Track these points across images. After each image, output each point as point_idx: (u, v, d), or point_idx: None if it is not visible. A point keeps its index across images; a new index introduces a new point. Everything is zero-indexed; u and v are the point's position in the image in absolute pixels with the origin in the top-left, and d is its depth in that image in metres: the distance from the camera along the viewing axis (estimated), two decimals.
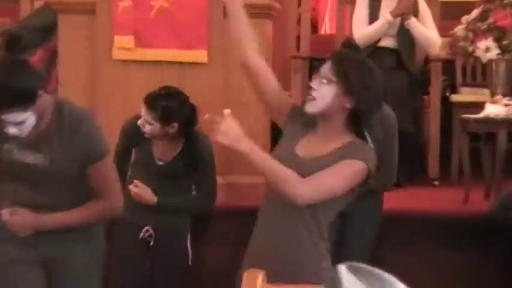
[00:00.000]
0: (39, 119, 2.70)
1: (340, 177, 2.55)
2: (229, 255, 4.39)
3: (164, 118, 3.62)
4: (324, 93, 2.62)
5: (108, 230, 3.26)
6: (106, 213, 2.88)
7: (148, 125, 3.65)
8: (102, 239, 2.99)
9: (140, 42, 4.37)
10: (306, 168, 2.57)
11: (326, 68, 2.65)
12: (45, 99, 2.72)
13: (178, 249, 3.81)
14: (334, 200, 2.59)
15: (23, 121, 2.65)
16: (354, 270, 1.32)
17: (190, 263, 3.86)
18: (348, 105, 2.62)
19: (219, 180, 4.23)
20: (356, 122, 2.66)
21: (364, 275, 1.31)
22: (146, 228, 3.75)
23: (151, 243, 3.76)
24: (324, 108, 2.63)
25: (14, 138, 2.72)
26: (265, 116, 4.65)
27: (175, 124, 3.66)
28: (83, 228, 2.86)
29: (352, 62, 2.64)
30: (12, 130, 2.67)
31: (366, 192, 3.29)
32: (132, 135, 3.75)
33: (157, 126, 3.64)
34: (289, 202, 2.53)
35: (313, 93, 2.64)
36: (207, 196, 3.85)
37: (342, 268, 1.32)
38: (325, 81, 2.63)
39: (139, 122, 3.67)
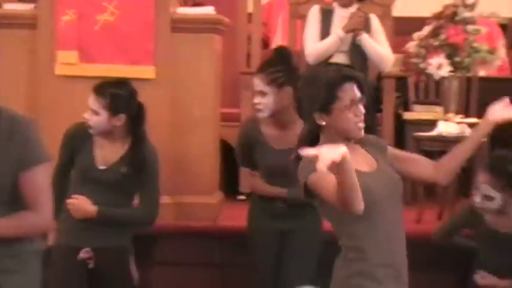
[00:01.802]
0: None
1: None
2: (177, 278, 4.26)
3: (112, 106, 3.49)
4: None
5: (46, 257, 3.06)
6: (35, 225, 2.69)
7: (95, 115, 3.51)
8: (38, 267, 2.81)
9: (84, 57, 4.28)
10: None
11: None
12: None
13: (121, 271, 3.59)
14: None
15: None
16: None
17: (135, 287, 3.66)
18: None
19: (166, 199, 4.10)
20: None
21: None
22: (85, 249, 3.54)
23: (91, 265, 3.54)
24: None
25: None
26: (215, 132, 4.54)
27: (123, 116, 3.52)
28: (15, 255, 2.69)
29: None
30: None
31: (307, 207, 3.17)
32: (75, 138, 3.60)
33: (104, 116, 3.50)
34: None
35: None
36: (151, 204, 3.60)
37: None
38: None
39: (85, 114, 3.53)
